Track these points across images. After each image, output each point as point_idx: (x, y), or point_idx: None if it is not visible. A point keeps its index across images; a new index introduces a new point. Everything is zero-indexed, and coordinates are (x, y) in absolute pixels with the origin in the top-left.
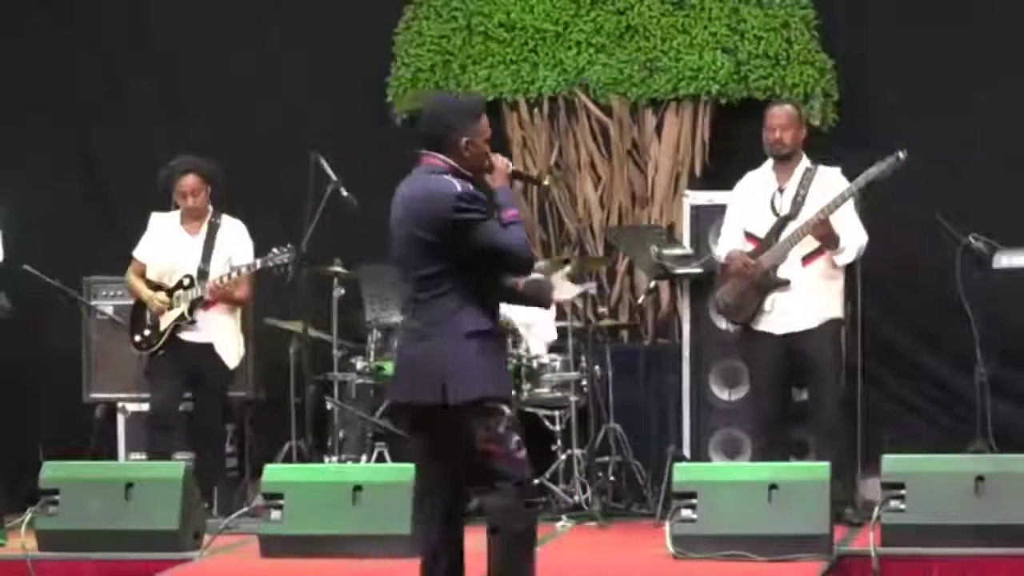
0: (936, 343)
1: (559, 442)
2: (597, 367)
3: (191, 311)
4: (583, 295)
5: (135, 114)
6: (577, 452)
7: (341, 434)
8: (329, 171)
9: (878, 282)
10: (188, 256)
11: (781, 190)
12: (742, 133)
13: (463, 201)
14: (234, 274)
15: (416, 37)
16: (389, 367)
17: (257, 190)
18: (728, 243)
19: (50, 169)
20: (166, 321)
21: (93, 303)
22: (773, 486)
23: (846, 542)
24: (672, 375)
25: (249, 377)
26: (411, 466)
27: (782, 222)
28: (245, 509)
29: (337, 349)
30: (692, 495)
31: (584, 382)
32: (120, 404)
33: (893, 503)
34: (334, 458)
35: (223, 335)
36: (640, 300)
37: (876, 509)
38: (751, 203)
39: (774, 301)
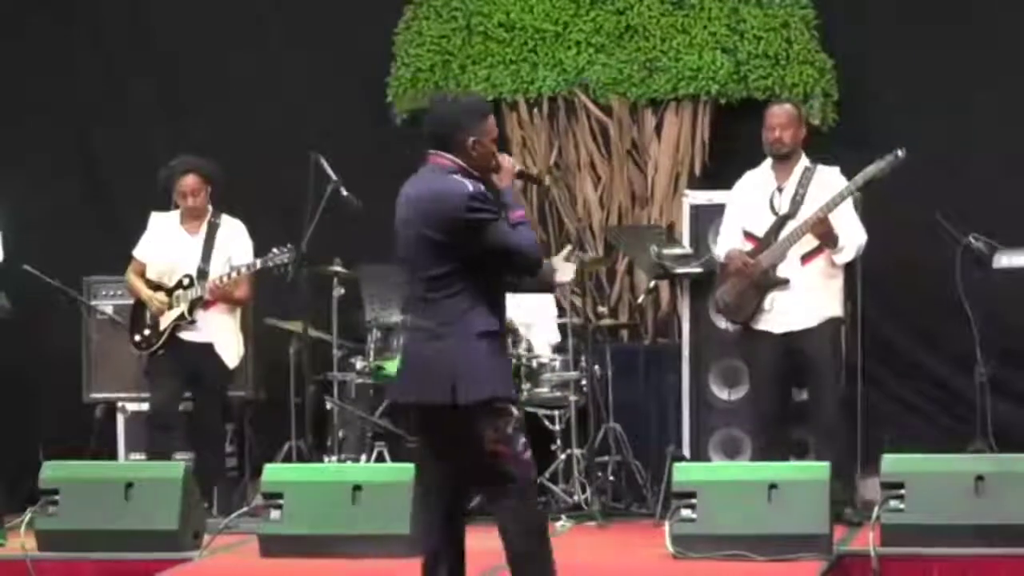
0: (936, 343)
1: (559, 442)
2: (597, 367)
3: (191, 311)
4: (583, 291)
5: (135, 114)
6: (577, 452)
7: (341, 434)
8: (329, 171)
9: (878, 282)
10: (188, 256)
11: (780, 189)
12: (742, 133)
13: (476, 201)
14: (234, 274)
15: (416, 37)
16: (389, 367)
17: (257, 190)
18: (727, 242)
19: (50, 169)
20: (166, 321)
21: (93, 303)
22: (773, 486)
23: (846, 542)
24: (672, 375)
25: (249, 377)
26: (411, 466)
27: (781, 221)
28: (245, 509)
29: (337, 349)
30: (692, 495)
31: (584, 382)
32: (120, 404)
33: (893, 503)
34: (334, 458)
35: (223, 335)
36: (640, 300)
37: (876, 509)
38: (750, 202)
39: (773, 300)
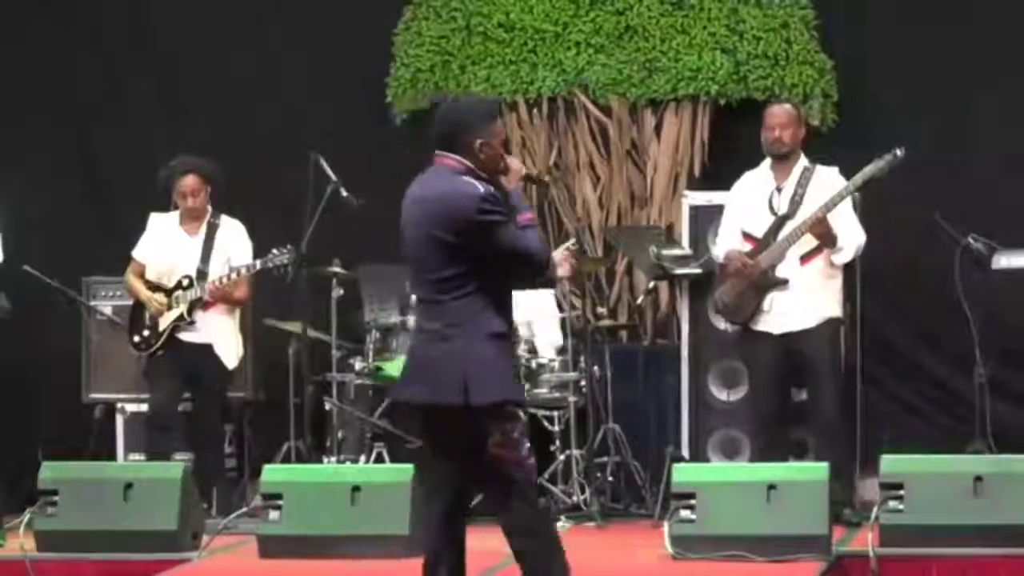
0: (935, 343)
1: (558, 442)
2: (596, 367)
3: (190, 312)
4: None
5: (135, 114)
6: (576, 452)
7: (340, 434)
8: (329, 171)
9: (878, 282)
10: (187, 257)
11: (779, 189)
12: (741, 133)
13: (487, 203)
14: (233, 275)
15: (415, 37)
16: (388, 367)
17: (257, 190)
18: (726, 243)
19: (50, 169)
20: (165, 321)
21: (92, 303)
22: (772, 486)
23: (845, 542)
24: (671, 375)
25: (248, 377)
26: (410, 467)
27: (780, 221)
28: (244, 509)
29: (336, 349)
30: (691, 495)
31: (583, 382)
32: (119, 404)
33: (892, 503)
34: (333, 458)
35: (222, 335)
36: (639, 300)
37: (875, 509)
38: (749, 203)
39: (772, 301)
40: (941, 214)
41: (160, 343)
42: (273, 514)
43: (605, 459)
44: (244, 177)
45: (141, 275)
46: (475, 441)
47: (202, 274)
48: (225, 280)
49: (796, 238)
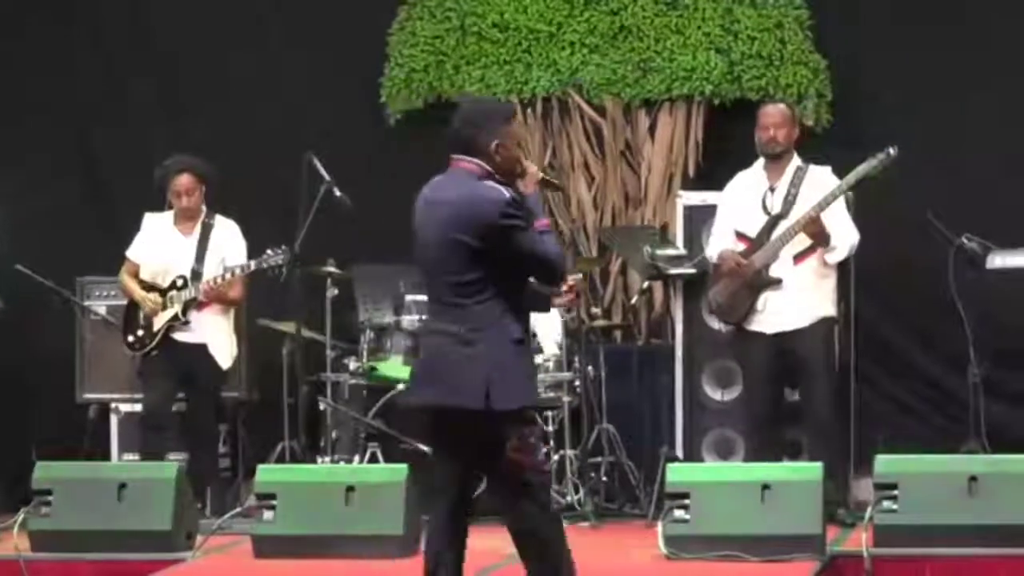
0: (930, 343)
1: (552, 442)
2: (590, 367)
3: (184, 312)
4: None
5: (135, 114)
6: (570, 452)
7: (334, 435)
8: (322, 171)
9: (872, 282)
10: (181, 256)
11: (772, 189)
12: (735, 133)
13: (511, 207)
14: (228, 275)
15: (410, 38)
16: (382, 367)
17: (257, 190)
18: (719, 243)
19: (50, 169)
20: (159, 321)
21: (86, 303)
22: (766, 486)
23: (839, 542)
24: (665, 375)
25: (242, 378)
26: (404, 466)
27: (773, 221)
28: (238, 509)
29: (330, 350)
30: (685, 495)
31: (577, 382)
32: (113, 404)
33: (886, 503)
34: (327, 458)
35: (216, 336)
36: (633, 300)
37: (869, 509)
38: (742, 203)
39: (766, 300)
40: (934, 213)
41: (154, 343)
42: (267, 514)
43: (599, 459)
44: (244, 177)
45: (135, 275)
46: (492, 444)
47: (196, 274)
48: (219, 280)
49: (789, 237)
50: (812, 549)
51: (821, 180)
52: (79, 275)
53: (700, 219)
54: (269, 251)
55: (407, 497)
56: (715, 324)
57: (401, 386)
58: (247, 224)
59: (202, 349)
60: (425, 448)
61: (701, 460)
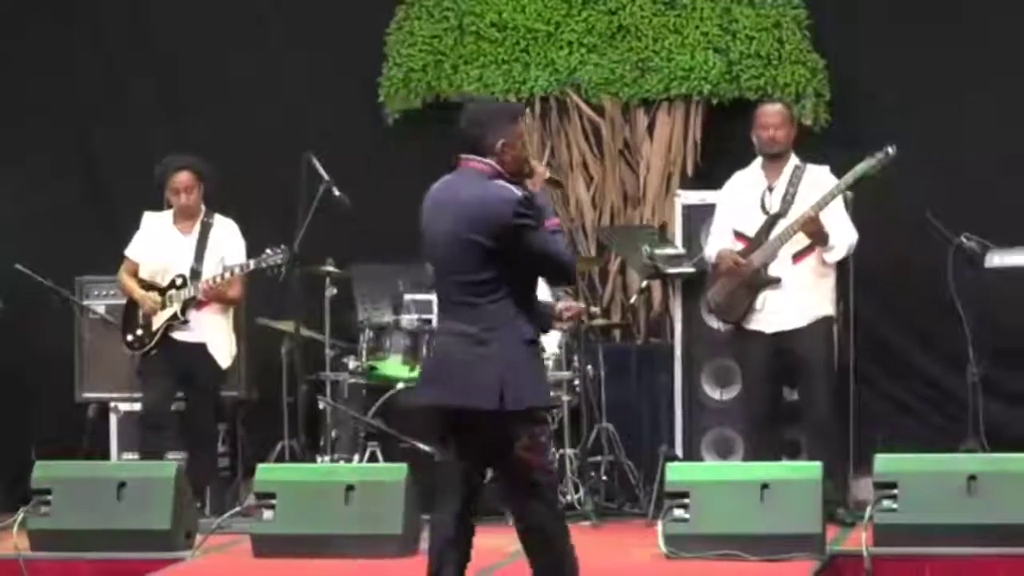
0: (928, 342)
1: (551, 442)
2: (589, 367)
3: (184, 311)
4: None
5: (135, 114)
6: (569, 452)
7: (333, 434)
8: (321, 171)
9: (871, 281)
10: (180, 256)
11: (770, 188)
12: (734, 133)
13: (523, 207)
14: (227, 274)
15: (408, 37)
16: (381, 367)
17: (257, 190)
18: (717, 243)
19: (50, 169)
20: (158, 321)
21: (85, 303)
22: (765, 486)
23: (838, 542)
24: (664, 375)
25: (241, 377)
26: (403, 466)
27: (772, 220)
28: (237, 509)
29: (329, 349)
30: (684, 495)
31: (576, 381)
32: (112, 404)
33: (885, 502)
34: (326, 458)
35: (216, 335)
36: (632, 300)
37: (868, 508)
38: (740, 202)
39: (765, 299)
40: (932, 213)
41: (153, 342)
42: (267, 513)
43: (599, 458)
44: (243, 177)
45: (134, 274)
46: (503, 444)
47: (195, 273)
48: (219, 279)
49: (788, 237)
50: (812, 548)
51: (819, 179)
52: (78, 275)
53: (699, 218)
54: (268, 250)
55: (407, 496)
56: (714, 323)
57: (401, 385)
58: (246, 223)
59: (201, 348)
60: (425, 447)
61: (700, 459)
